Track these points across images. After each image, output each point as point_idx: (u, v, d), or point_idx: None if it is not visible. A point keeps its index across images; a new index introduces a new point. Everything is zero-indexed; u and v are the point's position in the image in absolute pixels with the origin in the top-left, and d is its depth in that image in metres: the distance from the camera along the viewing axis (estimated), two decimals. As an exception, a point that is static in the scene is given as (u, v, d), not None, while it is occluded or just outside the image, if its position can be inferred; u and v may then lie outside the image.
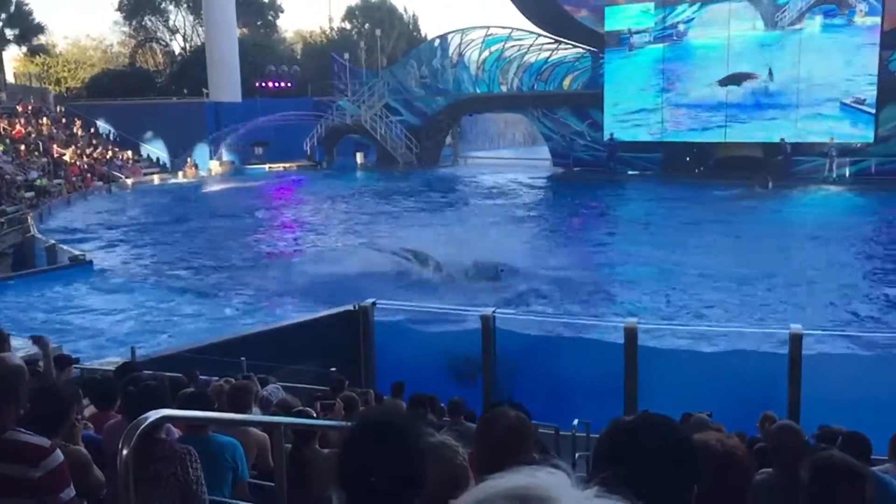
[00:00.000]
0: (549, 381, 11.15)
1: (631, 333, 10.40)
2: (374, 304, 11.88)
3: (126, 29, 59.56)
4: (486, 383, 10.70)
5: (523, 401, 10.94)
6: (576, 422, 8.75)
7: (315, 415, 5.81)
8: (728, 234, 23.04)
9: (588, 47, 38.92)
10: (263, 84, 47.75)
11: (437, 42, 44.59)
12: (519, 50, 41.39)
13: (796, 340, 10.00)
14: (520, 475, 0.95)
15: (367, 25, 59.76)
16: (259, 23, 59.37)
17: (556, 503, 0.92)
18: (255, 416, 5.80)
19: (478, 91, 42.86)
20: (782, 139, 32.56)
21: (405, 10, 64.53)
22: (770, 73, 32.71)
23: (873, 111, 30.94)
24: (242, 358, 10.11)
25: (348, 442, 1.82)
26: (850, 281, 18.02)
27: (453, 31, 43.29)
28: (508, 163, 44.66)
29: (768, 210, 27.22)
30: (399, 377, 9.36)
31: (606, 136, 36.68)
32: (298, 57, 58.64)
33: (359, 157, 44.75)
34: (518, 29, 41.39)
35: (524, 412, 2.41)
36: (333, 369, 10.20)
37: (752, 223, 24.74)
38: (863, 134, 31.34)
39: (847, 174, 31.60)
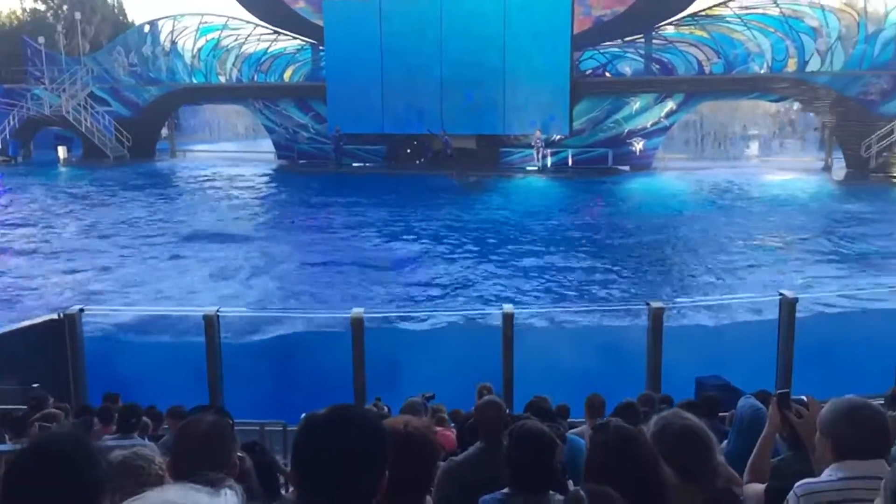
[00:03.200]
0: (280, 379, 11.00)
1: (358, 323, 10.56)
2: (81, 310, 10.92)
3: None
4: (211, 388, 10.28)
5: (257, 399, 10.70)
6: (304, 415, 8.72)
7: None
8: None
9: (308, 39, 38.83)
10: (-61, 69, 41.83)
11: (146, 28, 41.92)
12: (237, 40, 40.21)
13: (509, 319, 10.78)
14: (170, 492, 0.88)
15: (65, 7, 54.66)
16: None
17: None
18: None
19: (194, 81, 40.99)
20: (442, 130, 34.71)
21: (109, -8, 59.86)
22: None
23: (567, 107, 34.17)
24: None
25: (8, 473, 1.61)
26: (549, 261, 19.84)
27: (164, 18, 41.02)
28: (231, 156, 43.30)
29: (454, 201, 28.71)
30: (118, 389, 8.75)
31: (332, 129, 36.89)
32: (-17, 39, 52.06)
33: (61, 152, 40.81)
34: (235, 18, 40.17)
35: (226, 417, 2.31)
36: (36, 385, 9.24)
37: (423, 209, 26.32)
38: (560, 127, 34.50)
39: (549, 164, 34.66)
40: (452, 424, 7.38)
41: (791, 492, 2.73)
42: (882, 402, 6.14)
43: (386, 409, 7.24)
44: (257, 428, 8.90)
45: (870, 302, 14.17)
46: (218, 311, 10.60)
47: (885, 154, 30.49)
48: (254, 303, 15.55)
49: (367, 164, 36.88)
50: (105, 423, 6.84)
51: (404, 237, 22.87)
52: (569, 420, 7.25)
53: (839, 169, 32.77)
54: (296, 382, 10.63)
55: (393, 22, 35.50)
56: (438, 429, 6.67)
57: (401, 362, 11.64)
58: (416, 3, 36.10)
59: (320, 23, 36.99)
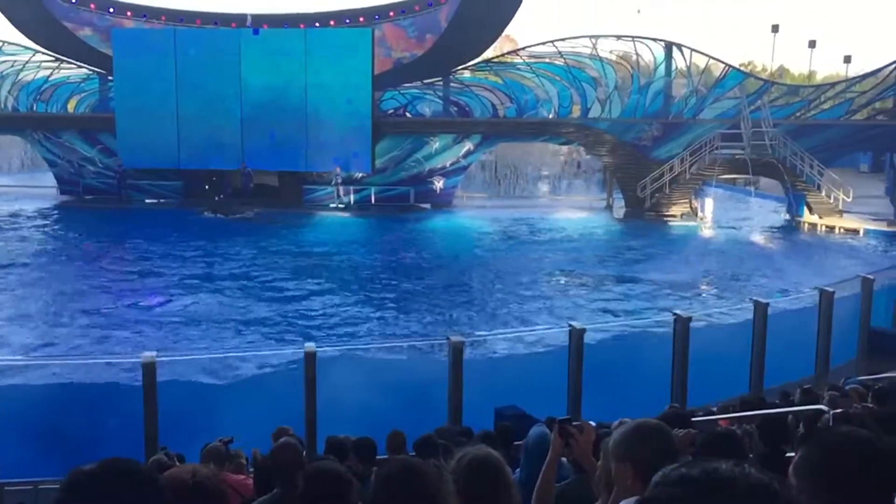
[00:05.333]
0: (58, 432, 10.10)
1: (150, 368, 9.96)
2: None
3: None
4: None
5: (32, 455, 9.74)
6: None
7: None
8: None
9: (95, 68, 36.65)
10: None
11: None
12: (13, 66, 37.17)
13: (311, 358, 10.63)
14: None
15: None
16: None
17: None
18: None
19: (-38, 109, 37.31)
20: (243, 163, 34.28)
21: None
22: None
23: (369, 145, 34.58)
24: None
25: None
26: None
27: (-74, 38, 37.09)
28: (7, 191, 39.59)
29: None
30: None
31: (118, 164, 34.91)
32: None
33: None
34: (11, 43, 37.14)
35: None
36: None
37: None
38: (362, 165, 34.80)
39: (352, 201, 34.83)
40: (251, 470, 7.12)
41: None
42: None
43: (175, 459, 6.85)
44: (31, 487, 8.10)
45: (648, 329, 15.37)
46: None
47: (657, 195, 33.46)
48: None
49: (162, 201, 35.18)
50: None
51: (187, 279, 22.12)
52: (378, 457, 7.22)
53: (619, 208, 35.54)
54: (78, 435, 9.80)
55: (189, 54, 34.33)
56: (241, 476, 6.41)
57: (200, 408, 11.08)
58: (213, 35, 35.29)
59: (109, 52, 35.05)
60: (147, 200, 35.22)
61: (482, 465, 2.69)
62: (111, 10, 36.06)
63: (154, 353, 10.33)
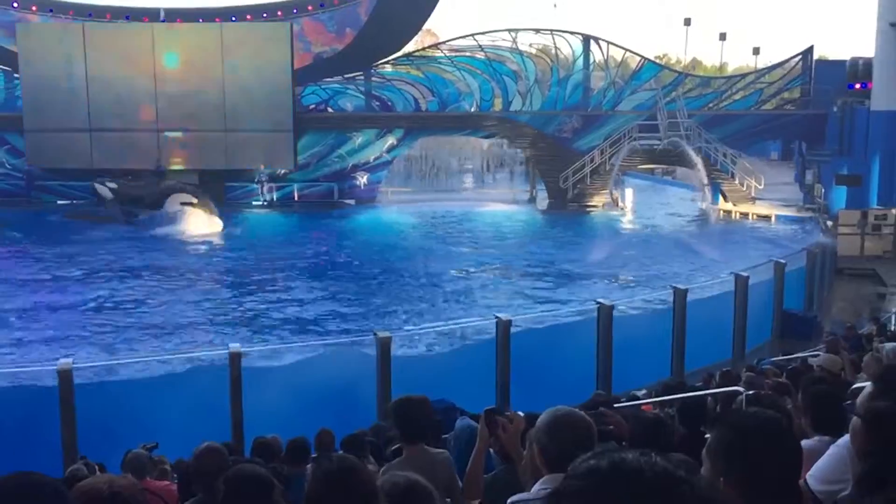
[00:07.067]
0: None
1: (66, 375, 9.61)
2: None
3: None
4: None
5: None
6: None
7: None
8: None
9: (0, 66, 35.07)
10: None
11: None
12: None
13: (236, 359, 10.43)
14: None
15: None
16: None
17: None
18: None
19: None
20: (157, 161, 32.89)
21: None
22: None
23: (291, 141, 34.07)
24: None
25: None
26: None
27: None
28: None
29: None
30: None
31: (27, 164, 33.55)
32: None
33: None
34: None
35: None
36: None
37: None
38: (285, 161, 34.28)
39: (275, 198, 34.30)
40: (175, 476, 6.94)
41: (507, 505, 2.87)
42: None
43: (97, 468, 6.62)
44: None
45: (572, 317, 15.61)
46: None
47: (579, 185, 34.03)
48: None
49: (75, 202, 33.92)
50: None
51: (114, 280, 21.49)
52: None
53: (542, 199, 36.00)
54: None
55: (100, 49, 33.15)
56: (164, 482, 6.24)
57: (122, 414, 10.73)
58: (125, 30, 34.18)
59: (14, 47, 33.57)
60: (59, 202, 33.94)
61: (415, 494, 2.64)
62: (15, 4, 34.55)
63: (70, 360, 9.97)
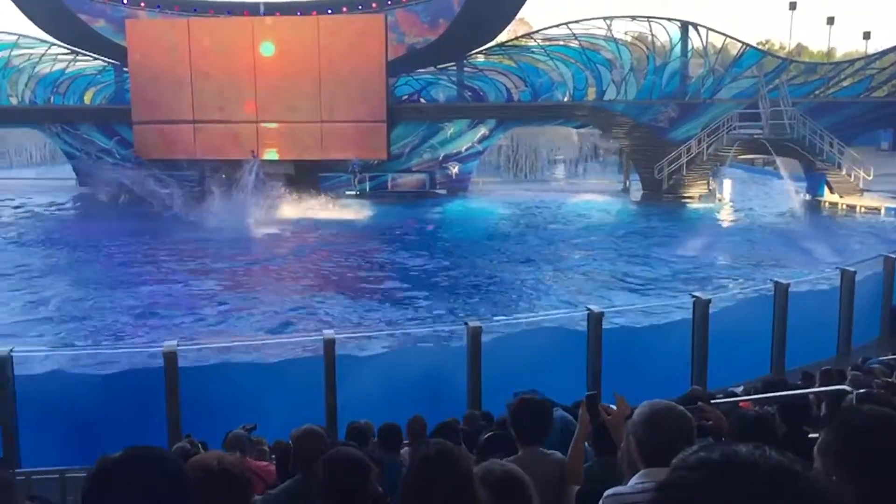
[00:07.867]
0: (83, 420, 10.22)
1: (171, 357, 10.05)
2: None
3: None
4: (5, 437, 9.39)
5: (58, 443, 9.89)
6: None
7: None
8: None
9: (110, 60, 36.79)
10: None
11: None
12: (29, 59, 37.39)
13: (330, 346, 10.67)
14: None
15: None
16: None
17: None
18: None
19: (-20, 103, 37.59)
20: (252, 152, 33.69)
21: None
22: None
23: (384, 132, 34.51)
24: None
25: None
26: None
27: (-56, 33, 37.36)
28: (28, 184, 39.85)
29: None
30: None
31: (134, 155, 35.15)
32: None
33: None
34: (27, 36, 37.36)
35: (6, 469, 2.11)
36: None
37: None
38: (378, 152, 34.77)
39: (368, 189, 34.84)
40: (273, 456, 7.17)
41: (602, 498, 2.85)
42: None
43: (200, 446, 6.91)
44: (57, 476, 8.20)
45: (664, 315, 15.27)
46: (12, 351, 9.73)
47: (675, 176, 33.21)
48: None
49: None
50: None
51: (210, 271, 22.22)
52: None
53: (636, 190, 35.30)
54: (104, 423, 9.90)
55: (203, 43, 34.40)
56: (263, 463, 6.46)
57: (228, 395, 11.13)
58: (227, 25, 35.28)
59: (124, 42, 35.19)
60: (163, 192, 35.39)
61: (510, 484, 2.67)
62: (124, 1, 36.15)
63: (175, 342, 10.41)
